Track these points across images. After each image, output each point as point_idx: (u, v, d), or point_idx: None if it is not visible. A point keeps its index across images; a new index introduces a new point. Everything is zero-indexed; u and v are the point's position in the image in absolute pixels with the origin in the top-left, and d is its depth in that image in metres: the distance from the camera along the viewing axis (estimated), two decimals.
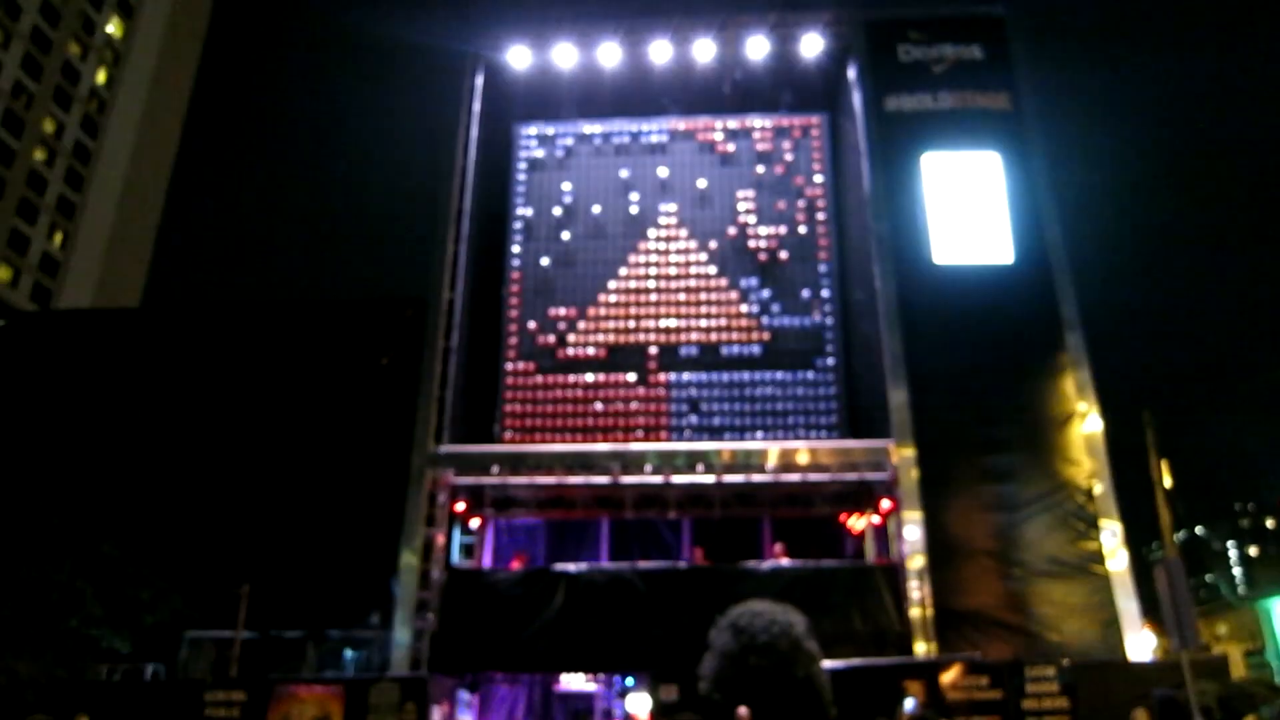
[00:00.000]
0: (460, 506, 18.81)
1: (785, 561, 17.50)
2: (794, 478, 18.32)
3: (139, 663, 18.95)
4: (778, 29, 20.22)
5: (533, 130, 21.16)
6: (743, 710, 11.20)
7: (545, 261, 20.04)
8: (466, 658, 16.43)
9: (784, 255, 19.78)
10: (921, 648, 15.21)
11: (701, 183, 20.40)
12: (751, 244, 19.87)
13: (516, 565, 17.85)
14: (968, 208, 18.45)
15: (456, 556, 19.20)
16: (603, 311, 19.53)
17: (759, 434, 18.37)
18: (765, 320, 19.28)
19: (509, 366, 19.26)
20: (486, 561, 19.99)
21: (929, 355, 17.14)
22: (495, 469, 18.48)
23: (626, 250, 19.98)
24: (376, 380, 22.69)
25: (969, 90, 19.28)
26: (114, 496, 20.74)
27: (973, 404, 16.95)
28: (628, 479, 18.76)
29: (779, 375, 18.85)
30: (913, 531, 15.96)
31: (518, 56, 20.41)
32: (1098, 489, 16.21)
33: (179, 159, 66.32)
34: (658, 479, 18.72)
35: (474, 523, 19.88)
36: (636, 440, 18.28)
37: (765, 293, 19.50)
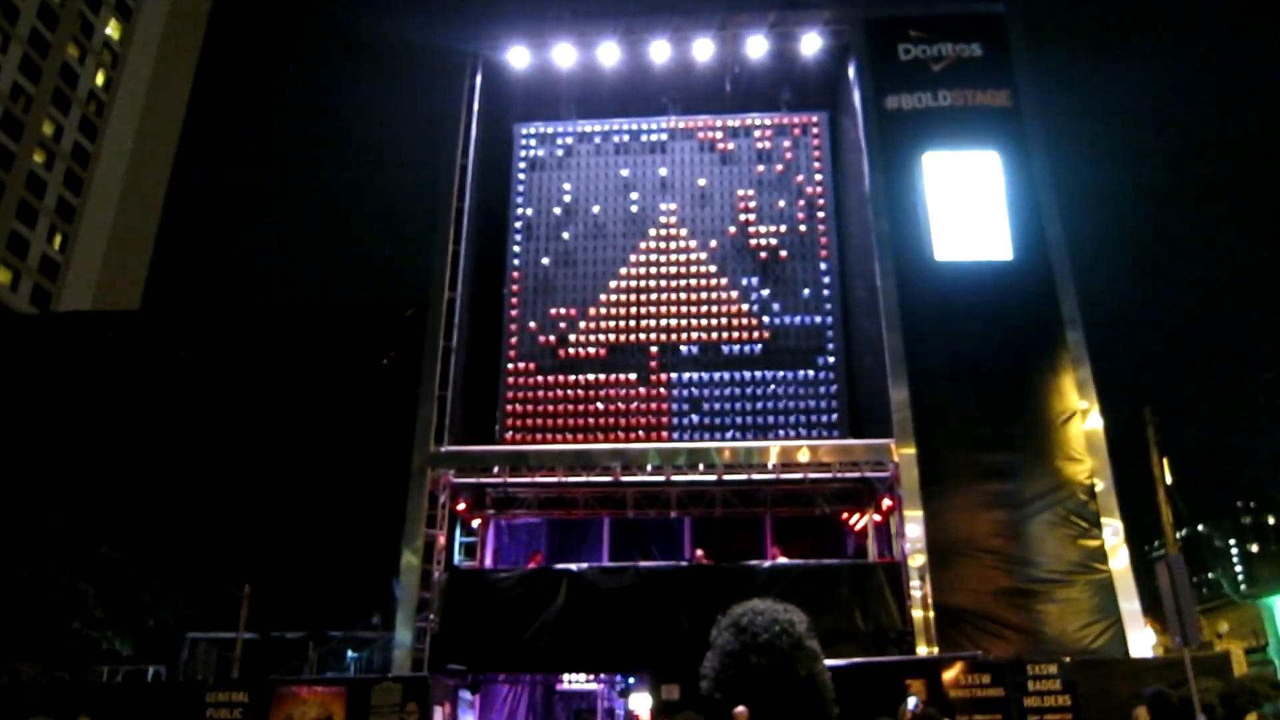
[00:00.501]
0: (461, 506, 18.83)
1: (784, 561, 17.53)
2: (795, 476, 18.32)
3: (140, 664, 18.93)
4: (777, 27, 20.20)
5: (532, 129, 21.13)
6: (740, 709, 11.22)
7: (546, 261, 20.03)
8: (468, 658, 16.44)
9: (784, 254, 19.76)
10: (923, 646, 15.20)
11: (701, 181, 20.38)
12: (752, 243, 19.86)
13: (535, 564, 17.89)
14: (968, 205, 18.45)
15: (458, 556, 19.21)
16: (603, 311, 19.51)
17: (760, 433, 18.34)
18: (766, 319, 19.26)
19: (509, 366, 19.25)
20: (488, 561, 20.01)
21: (930, 353, 17.13)
22: (496, 469, 18.48)
23: (627, 249, 19.96)
24: (377, 380, 22.67)
25: (969, 88, 19.26)
26: (115, 498, 20.74)
27: (973, 402, 16.94)
28: (629, 478, 18.77)
29: (780, 374, 18.83)
30: (914, 529, 15.95)
31: (517, 56, 20.41)
32: (1099, 486, 16.21)
33: (178, 161, 66.31)
34: (659, 478, 18.73)
35: (475, 522, 19.90)
36: (637, 439, 18.26)
37: (765, 291, 19.48)
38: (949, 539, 15.92)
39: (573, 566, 17.02)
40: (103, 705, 13.93)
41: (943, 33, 19.74)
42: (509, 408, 18.90)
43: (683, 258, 19.78)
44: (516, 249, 20.17)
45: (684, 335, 19.16)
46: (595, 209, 20.32)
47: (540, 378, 19.05)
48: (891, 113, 19.10)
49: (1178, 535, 20.35)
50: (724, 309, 19.34)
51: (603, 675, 18.33)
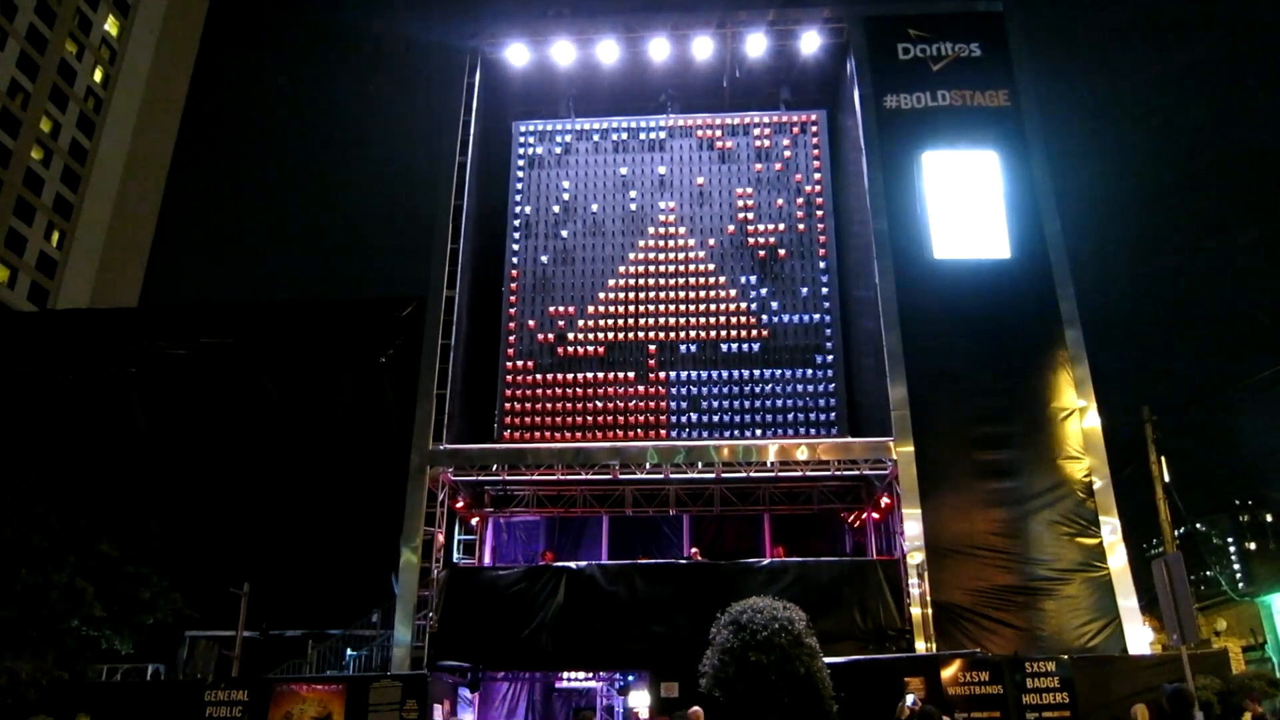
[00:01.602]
0: (460, 504, 18.86)
1: (783, 559, 17.57)
2: (793, 474, 18.37)
3: (140, 662, 18.92)
4: (776, 25, 20.20)
5: (531, 127, 21.11)
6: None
7: (544, 259, 20.02)
8: (467, 655, 16.45)
9: (783, 252, 19.77)
10: (921, 643, 15.24)
11: (700, 180, 20.38)
12: (750, 241, 19.86)
13: (546, 563, 17.92)
14: (966, 203, 18.47)
15: (456, 554, 19.24)
16: (602, 309, 19.51)
17: (758, 431, 18.36)
18: (764, 317, 19.27)
19: (508, 364, 19.25)
20: (486, 559, 20.04)
21: (928, 352, 17.15)
22: (495, 467, 18.52)
23: (625, 248, 19.96)
24: (375, 378, 22.63)
25: (968, 88, 19.27)
26: (114, 496, 20.69)
27: (972, 400, 16.97)
28: (627, 476, 18.80)
29: (778, 372, 18.84)
30: (912, 527, 15.98)
31: (516, 53, 20.40)
32: (1097, 485, 16.24)
33: (176, 158, 66.20)
34: (657, 476, 18.77)
35: (473, 520, 19.93)
36: (636, 438, 18.26)
37: (764, 290, 19.49)
38: (947, 537, 15.96)
39: (572, 564, 17.04)
40: (102, 704, 13.93)
41: (942, 32, 19.75)
42: (507, 405, 18.91)
43: (681, 256, 19.78)
44: (515, 247, 20.16)
45: (682, 333, 19.17)
46: (594, 207, 20.32)
47: (539, 376, 19.06)
48: (890, 112, 19.11)
49: (1175, 533, 20.38)
50: (722, 307, 19.34)
51: (602, 673, 18.36)
